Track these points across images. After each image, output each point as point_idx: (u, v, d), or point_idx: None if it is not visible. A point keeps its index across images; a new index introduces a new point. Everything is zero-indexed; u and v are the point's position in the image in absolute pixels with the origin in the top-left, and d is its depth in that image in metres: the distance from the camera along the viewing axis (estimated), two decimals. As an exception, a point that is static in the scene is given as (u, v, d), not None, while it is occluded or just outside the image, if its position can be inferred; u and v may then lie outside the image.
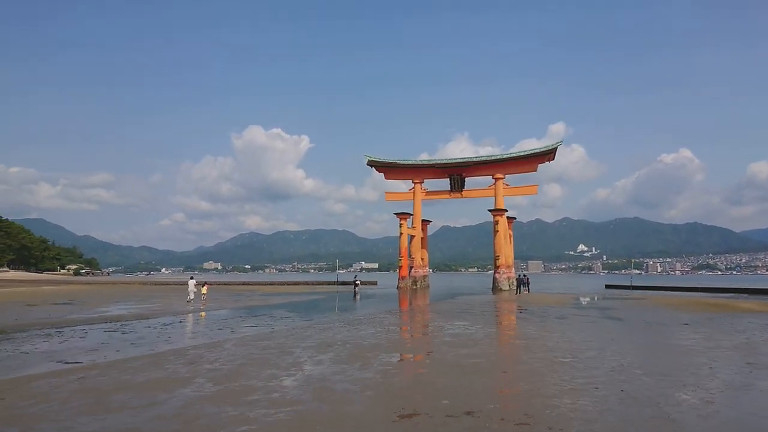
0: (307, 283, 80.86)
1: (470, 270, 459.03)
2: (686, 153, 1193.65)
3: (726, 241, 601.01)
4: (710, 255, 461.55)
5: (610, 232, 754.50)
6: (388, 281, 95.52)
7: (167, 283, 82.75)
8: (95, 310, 30.29)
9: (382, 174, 69.02)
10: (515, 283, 50.65)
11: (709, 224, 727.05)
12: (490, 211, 61.63)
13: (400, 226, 63.19)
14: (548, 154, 61.95)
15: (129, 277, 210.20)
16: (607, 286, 74.21)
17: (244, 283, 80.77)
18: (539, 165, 63.54)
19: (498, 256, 60.11)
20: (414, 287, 63.95)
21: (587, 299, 42.29)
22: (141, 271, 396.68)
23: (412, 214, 65.76)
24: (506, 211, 61.56)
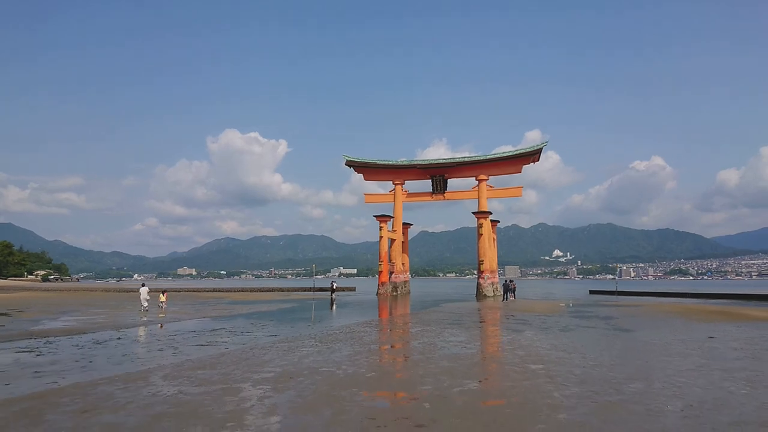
0: (281, 290, 76.69)
1: (448, 275, 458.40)
2: (658, 160, 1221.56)
3: (697, 247, 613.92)
4: (682, 260, 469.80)
5: (585, 238, 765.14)
6: (367, 287, 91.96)
7: (132, 290, 77.52)
8: (28, 322, 26.06)
9: (361, 175, 65.70)
10: (501, 289, 47.50)
11: (680, 230, 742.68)
12: (474, 213, 58.74)
13: (380, 230, 59.83)
14: (534, 155, 59.47)
15: (99, 283, 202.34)
16: (592, 292, 72.17)
17: (213, 290, 76.19)
18: (524, 166, 61.14)
19: (482, 261, 57.19)
20: (394, 293, 60.54)
21: (581, 307, 39.42)
22: (112, 278, 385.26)
23: (392, 217, 62.48)
24: (490, 213, 58.81)
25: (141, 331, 21.63)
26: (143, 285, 38.23)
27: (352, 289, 77.06)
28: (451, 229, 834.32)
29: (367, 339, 17.45)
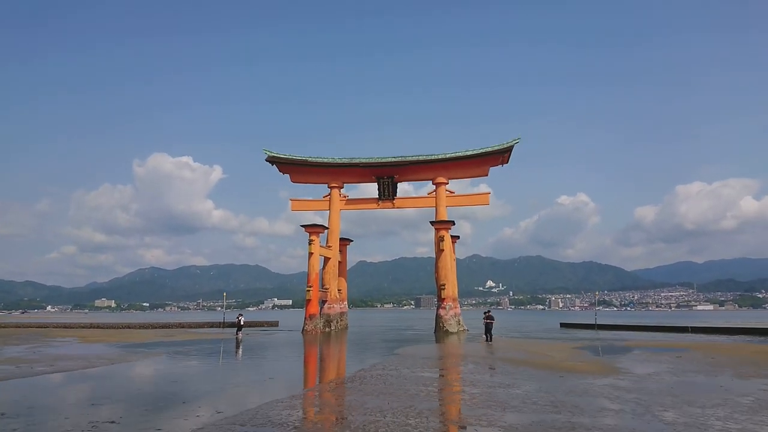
0: (180, 325, 59.56)
1: (386, 306, 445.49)
2: (582, 197, 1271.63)
3: (619, 280, 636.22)
4: (605, 292, 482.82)
5: (515, 269, 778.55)
6: (296, 320, 76.02)
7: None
8: None
9: (288, 176, 51.29)
10: (485, 327, 32.90)
11: (603, 263, 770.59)
12: (432, 223, 45.66)
13: (310, 244, 45.09)
14: (503, 154, 47.64)
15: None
16: (563, 325, 60.60)
17: (83, 326, 57.71)
18: (490, 168, 49.26)
19: (443, 285, 43.77)
20: (327, 330, 45.76)
21: (602, 352, 26.61)
22: (20, 309, 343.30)
23: (326, 228, 48.13)
24: (453, 223, 45.89)
25: None
26: None
27: (274, 324, 61.26)
28: (390, 259, 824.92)
29: None
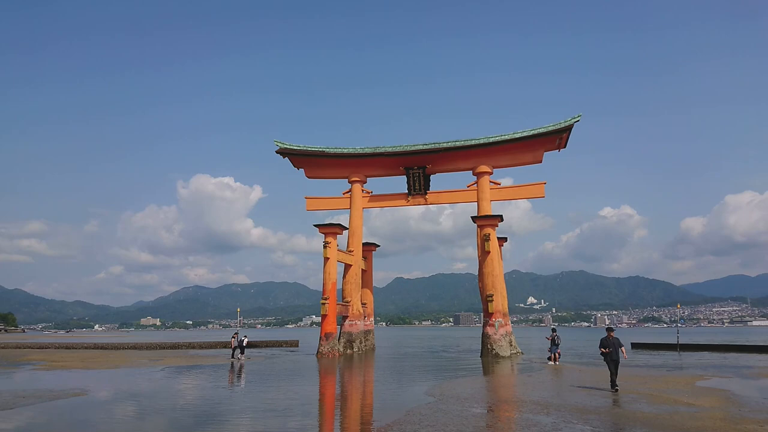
0: (191, 346, 52.65)
1: (424, 323, 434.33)
2: (627, 209, 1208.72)
3: (668, 295, 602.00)
4: (654, 308, 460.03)
5: (558, 285, 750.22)
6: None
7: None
8: None
9: (302, 171, 43.92)
10: (606, 356, 21.84)
11: (650, 278, 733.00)
12: (474, 219, 36.95)
13: (326, 247, 37.08)
14: (561, 134, 38.70)
15: (45, 333, 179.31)
16: (635, 345, 50.35)
17: (80, 347, 51.51)
18: (545, 153, 40.46)
19: (491, 296, 34.82)
20: (348, 352, 37.64)
21: (757, 390, 17.46)
22: (66, 329, 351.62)
23: (346, 229, 40.23)
24: (501, 218, 36.96)
25: None
26: None
27: (294, 344, 53.40)
28: (426, 276, 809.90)
29: None
